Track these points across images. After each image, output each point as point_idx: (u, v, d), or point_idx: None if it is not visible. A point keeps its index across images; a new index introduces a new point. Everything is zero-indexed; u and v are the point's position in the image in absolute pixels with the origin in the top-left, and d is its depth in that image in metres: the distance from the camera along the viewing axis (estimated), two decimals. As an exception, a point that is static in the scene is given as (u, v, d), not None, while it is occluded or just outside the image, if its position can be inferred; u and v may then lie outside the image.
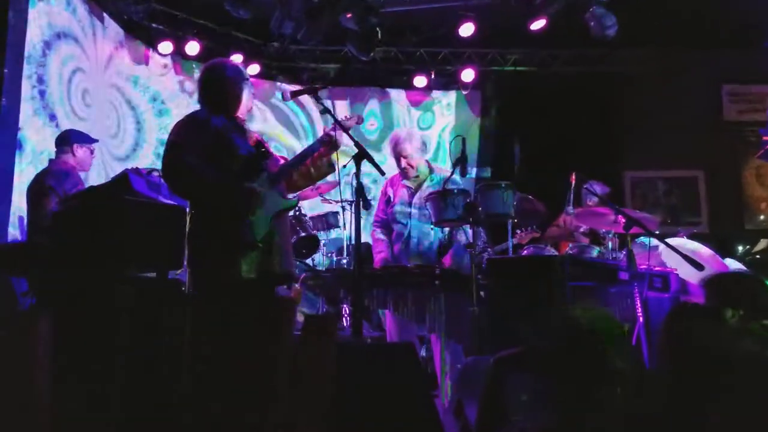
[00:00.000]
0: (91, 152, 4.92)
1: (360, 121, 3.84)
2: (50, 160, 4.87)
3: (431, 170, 4.61)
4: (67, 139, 4.86)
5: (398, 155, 4.53)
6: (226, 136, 3.36)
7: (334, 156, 3.62)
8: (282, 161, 3.63)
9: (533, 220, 5.51)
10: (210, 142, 3.30)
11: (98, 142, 5.07)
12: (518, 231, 5.55)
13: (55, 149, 4.89)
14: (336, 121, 3.53)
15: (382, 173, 3.47)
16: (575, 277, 3.86)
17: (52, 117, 5.76)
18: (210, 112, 3.44)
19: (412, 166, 4.53)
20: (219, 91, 3.47)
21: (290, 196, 3.67)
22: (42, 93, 5.64)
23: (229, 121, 3.45)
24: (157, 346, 2.81)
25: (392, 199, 4.62)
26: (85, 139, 4.90)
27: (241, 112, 3.55)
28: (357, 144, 3.37)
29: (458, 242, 4.42)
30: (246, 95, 3.51)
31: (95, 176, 5.90)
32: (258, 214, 3.30)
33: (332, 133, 3.59)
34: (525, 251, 4.98)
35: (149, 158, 7.47)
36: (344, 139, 3.60)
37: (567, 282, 3.80)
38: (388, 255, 4.50)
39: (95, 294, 2.89)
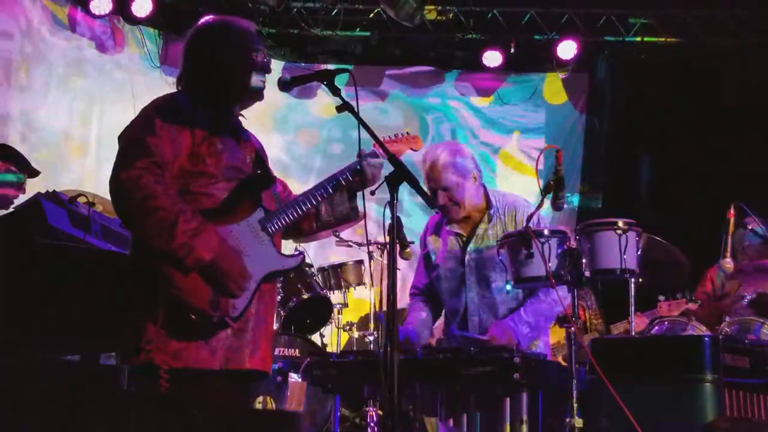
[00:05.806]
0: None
1: (417, 143, 3.82)
2: None
3: (489, 202, 4.51)
4: None
5: (434, 186, 4.38)
6: (212, 144, 3.34)
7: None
8: (281, 188, 3.65)
9: (670, 279, 5.48)
10: (188, 148, 3.27)
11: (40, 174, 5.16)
12: (661, 299, 5.58)
13: None
14: (374, 137, 3.41)
15: (432, 205, 3.45)
16: (735, 371, 3.83)
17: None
18: (195, 99, 3.39)
19: (456, 203, 4.42)
20: (215, 67, 3.44)
21: (289, 248, 3.62)
22: None
23: (220, 116, 3.42)
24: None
25: (435, 257, 4.61)
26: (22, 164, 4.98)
27: (245, 105, 3.55)
28: (393, 159, 3.34)
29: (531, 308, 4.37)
30: (257, 77, 3.45)
31: None
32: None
33: (371, 159, 3.57)
34: (656, 328, 4.95)
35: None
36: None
37: (722, 379, 3.77)
38: (414, 328, 4.45)
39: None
